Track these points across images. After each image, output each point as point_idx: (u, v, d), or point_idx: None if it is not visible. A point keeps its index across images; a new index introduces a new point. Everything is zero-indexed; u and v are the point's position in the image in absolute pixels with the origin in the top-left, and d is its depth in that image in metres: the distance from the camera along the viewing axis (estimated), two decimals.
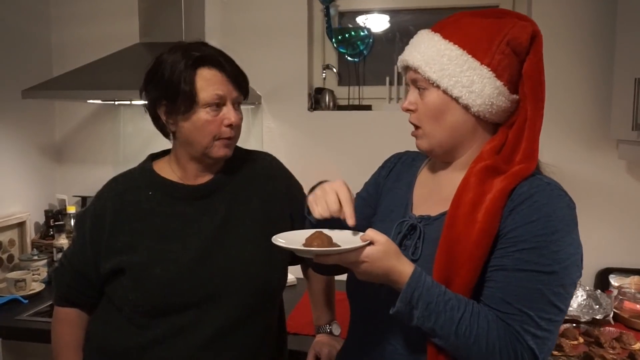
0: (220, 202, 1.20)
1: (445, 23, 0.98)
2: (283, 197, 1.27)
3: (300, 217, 1.25)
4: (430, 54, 0.94)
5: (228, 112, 1.14)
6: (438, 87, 0.94)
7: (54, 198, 2.46)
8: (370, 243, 0.87)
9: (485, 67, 0.92)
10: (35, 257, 2.12)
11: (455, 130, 0.97)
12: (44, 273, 2.12)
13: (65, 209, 2.30)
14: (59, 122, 2.51)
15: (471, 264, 0.88)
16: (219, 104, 1.13)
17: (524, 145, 0.93)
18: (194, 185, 1.20)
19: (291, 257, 1.25)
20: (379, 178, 1.17)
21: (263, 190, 1.25)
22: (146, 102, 1.19)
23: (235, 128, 1.16)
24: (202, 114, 1.12)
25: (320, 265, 1.10)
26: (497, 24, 0.94)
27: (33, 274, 2.06)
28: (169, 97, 1.12)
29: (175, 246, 1.14)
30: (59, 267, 1.28)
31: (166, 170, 1.22)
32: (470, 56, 0.92)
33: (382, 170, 1.18)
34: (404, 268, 0.88)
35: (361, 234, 0.90)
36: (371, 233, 0.88)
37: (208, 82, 1.11)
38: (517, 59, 0.93)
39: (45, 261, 2.13)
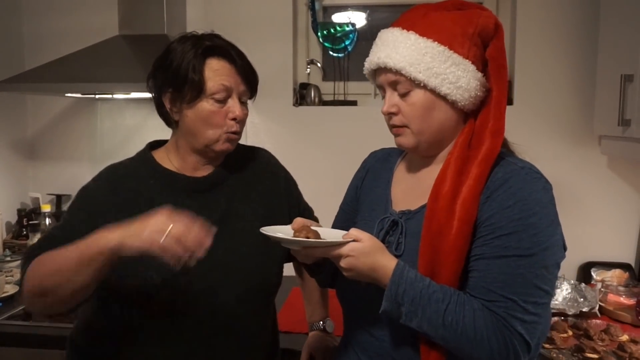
0: (221, 197, 1.16)
1: (413, 19, 0.97)
2: (281, 193, 1.25)
3: (295, 213, 1.24)
4: (412, 54, 0.93)
5: (233, 106, 1.11)
6: (424, 86, 0.93)
7: (27, 196, 2.36)
8: (354, 241, 0.88)
9: (468, 60, 0.94)
10: (8, 258, 2.05)
11: (442, 126, 0.97)
12: (17, 275, 2.02)
13: (39, 208, 2.21)
14: (31, 117, 2.41)
15: (455, 255, 0.89)
16: (224, 97, 1.10)
17: (491, 124, 0.94)
18: (195, 177, 1.16)
19: (286, 254, 1.22)
20: (355, 181, 1.18)
21: (263, 185, 1.23)
22: (152, 88, 1.15)
23: (240, 123, 1.14)
24: (207, 105, 1.09)
25: (315, 270, 1.10)
26: (465, 15, 0.95)
27: (6, 276, 1.97)
28: (175, 85, 1.10)
29: None
30: (45, 238, 1.12)
31: (165, 160, 1.18)
32: (452, 52, 0.93)
33: (358, 172, 1.19)
34: (388, 264, 0.89)
35: (346, 233, 0.92)
36: (354, 232, 0.89)
37: (215, 73, 1.09)
38: (483, 47, 0.96)
39: (18, 262, 2.04)
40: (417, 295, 0.86)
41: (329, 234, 0.96)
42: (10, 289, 1.93)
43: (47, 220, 2.16)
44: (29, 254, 1.07)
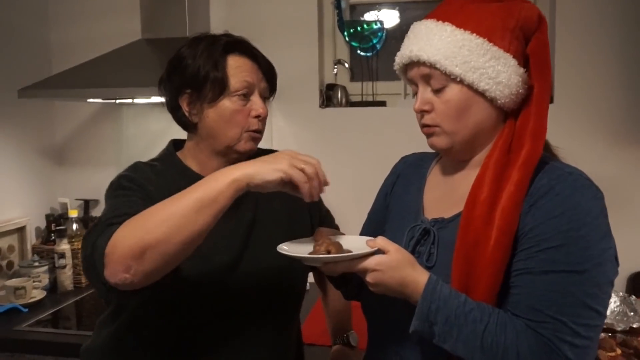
0: (247, 204, 1.12)
1: (449, 11, 0.90)
2: (302, 198, 1.19)
3: (316, 218, 1.21)
4: (448, 46, 0.86)
5: (256, 103, 1.08)
6: (461, 82, 0.86)
7: (55, 202, 2.38)
8: (380, 251, 0.81)
9: (509, 54, 0.86)
10: (36, 264, 2.05)
11: (479, 126, 0.89)
12: (45, 280, 2.04)
13: (67, 213, 2.21)
14: (60, 122, 2.43)
15: (492, 269, 0.80)
16: (247, 94, 1.07)
17: (532, 123, 0.86)
18: None
19: None
20: (385, 187, 1.12)
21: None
22: (166, 92, 1.12)
23: (263, 121, 1.10)
24: (229, 103, 1.06)
25: (340, 282, 1.05)
26: (505, 8, 0.88)
27: (34, 281, 1.98)
28: (194, 85, 1.06)
29: (205, 247, 0.98)
30: (121, 196, 1.00)
31: (188, 164, 1.13)
32: (491, 44, 0.85)
33: (388, 178, 1.12)
34: (419, 278, 0.81)
35: (372, 239, 0.85)
36: (381, 241, 0.82)
37: (237, 70, 1.06)
38: (525, 41, 0.89)
39: (46, 267, 2.05)
40: (452, 314, 0.79)
41: (352, 242, 0.90)
42: (38, 295, 1.95)
43: (75, 226, 2.16)
44: (104, 223, 0.91)
